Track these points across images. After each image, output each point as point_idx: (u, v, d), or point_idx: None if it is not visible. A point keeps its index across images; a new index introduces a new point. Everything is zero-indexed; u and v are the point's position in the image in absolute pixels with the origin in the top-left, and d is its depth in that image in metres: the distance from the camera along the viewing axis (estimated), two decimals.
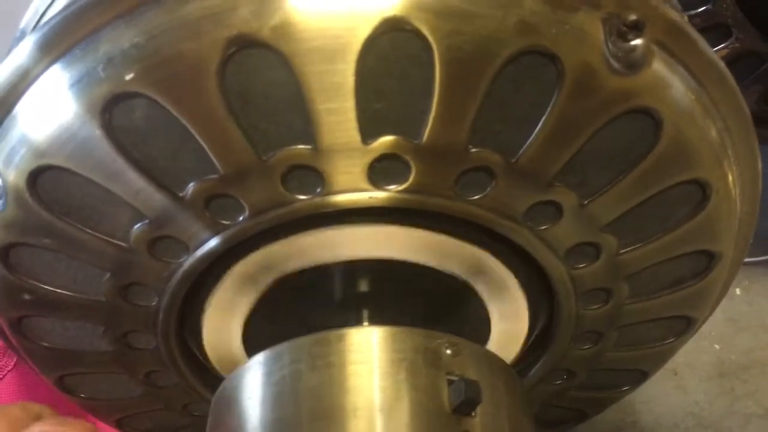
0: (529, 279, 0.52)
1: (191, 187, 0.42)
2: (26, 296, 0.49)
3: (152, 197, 0.43)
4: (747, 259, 0.69)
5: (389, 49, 0.38)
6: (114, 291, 0.48)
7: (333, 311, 0.54)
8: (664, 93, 0.42)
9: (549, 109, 0.41)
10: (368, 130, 0.41)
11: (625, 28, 0.41)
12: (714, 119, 0.46)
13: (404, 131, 0.41)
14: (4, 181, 0.44)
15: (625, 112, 0.42)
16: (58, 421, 0.46)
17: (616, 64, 0.41)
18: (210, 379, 0.58)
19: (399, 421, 0.40)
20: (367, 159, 0.42)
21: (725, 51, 0.79)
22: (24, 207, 0.44)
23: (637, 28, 0.41)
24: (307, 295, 0.53)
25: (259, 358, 0.46)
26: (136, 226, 0.44)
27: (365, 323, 0.52)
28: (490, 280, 0.52)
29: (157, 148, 0.41)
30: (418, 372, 0.42)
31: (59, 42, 0.41)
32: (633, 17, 0.40)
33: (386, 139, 0.41)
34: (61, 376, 0.57)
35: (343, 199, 0.43)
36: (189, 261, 0.46)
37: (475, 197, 0.44)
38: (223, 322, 0.53)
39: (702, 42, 0.44)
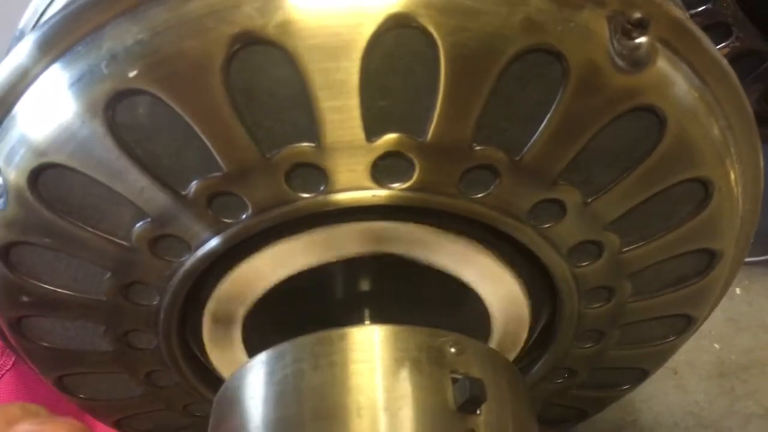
0: (531, 277, 0.52)
1: (194, 185, 0.42)
2: (26, 296, 0.49)
3: (155, 195, 0.42)
4: (747, 259, 0.69)
5: (394, 46, 0.38)
6: (115, 290, 0.48)
7: (335, 310, 0.53)
8: (668, 91, 0.42)
9: (554, 106, 0.41)
10: (372, 128, 0.40)
11: (629, 26, 0.41)
12: (717, 117, 0.46)
13: (409, 129, 0.41)
14: (4, 179, 0.43)
15: (629, 110, 0.42)
16: (44, 419, 0.45)
17: (620, 62, 0.41)
18: (211, 379, 0.58)
19: (403, 420, 0.40)
20: (371, 157, 0.41)
21: (726, 50, 0.80)
22: (25, 205, 0.44)
23: (641, 26, 0.41)
24: (308, 294, 0.53)
25: (262, 357, 0.45)
26: (138, 225, 0.44)
27: (366, 322, 0.52)
28: (492, 278, 0.52)
29: (160, 146, 0.41)
30: (422, 370, 0.41)
31: (59, 40, 0.41)
32: (638, 15, 0.40)
33: (390, 137, 0.41)
34: (61, 377, 0.57)
35: (346, 197, 0.43)
36: (191, 260, 0.46)
37: (479, 195, 0.44)
38: (223, 322, 0.53)
39: (705, 39, 0.44)
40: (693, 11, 0.79)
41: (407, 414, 0.40)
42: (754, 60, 0.82)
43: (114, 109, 0.39)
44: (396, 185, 0.43)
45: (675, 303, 0.56)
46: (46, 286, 0.48)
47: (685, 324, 0.59)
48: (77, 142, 0.40)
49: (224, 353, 0.55)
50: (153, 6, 0.38)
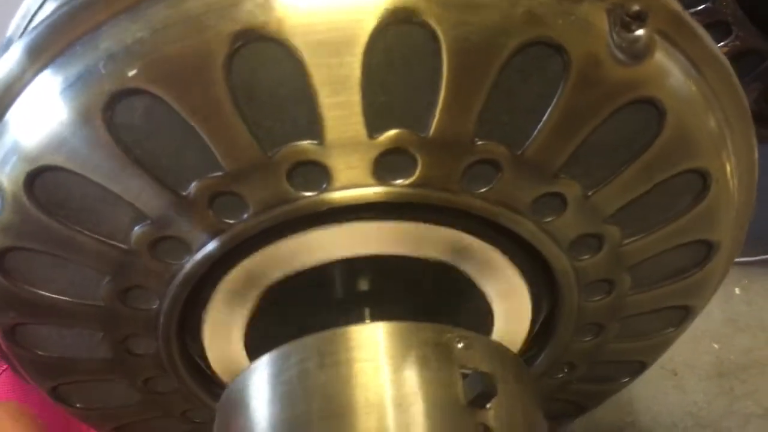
0: (532, 272, 0.52)
1: (194, 185, 0.41)
2: (21, 303, 0.48)
3: (155, 197, 0.42)
4: (746, 259, 0.70)
5: (396, 41, 0.38)
6: (113, 295, 0.47)
7: (335, 310, 0.53)
8: (667, 83, 0.43)
9: (555, 100, 0.41)
10: (374, 124, 0.40)
11: (628, 19, 0.41)
12: (714, 109, 0.46)
13: (411, 124, 0.40)
14: (0, 183, 0.43)
15: (629, 102, 0.42)
16: None
17: (620, 55, 0.41)
18: (210, 385, 0.57)
19: (413, 416, 0.40)
20: (373, 153, 0.41)
21: (725, 49, 0.80)
22: (21, 210, 0.43)
23: (640, 19, 0.41)
24: (309, 294, 0.52)
25: (266, 358, 0.45)
26: (137, 227, 0.43)
27: (367, 320, 0.51)
28: (493, 273, 0.52)
29: (159, 146, 0.40)
30: (431, 366, 0.41)
31: (53, 42, 0.40)
32: (636, 7, 0.41)
33: (392, 133, 0.41)
34: (56, 386, 0.56)
35: (348, 195, 0.43)
36: (191, 262, 0.45)
37: (481, 190, 0.44)
38: (224, 325, 0.52)
39: (702, 32, 0.44)
40: (692, 10, 0.79)
41: (418, 410, 0.40)
42: (754, 59, 0.82)
43: (113, 110, 0.39)
44: (398, 182, 0.43)
45: (673, 295, 0.56)
46: (42, 292, 0.48)
47: (683, 316, 0.59)
48: (75, 143, 0.40)
49: (225, 356, 0.54)
50: (152, 4, 0.38)
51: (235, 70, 0.38)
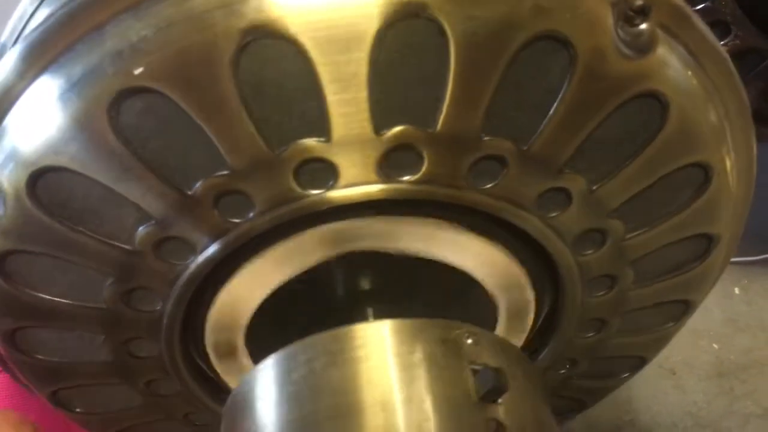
0: (535, 267, 0.52)
1: (200, 184, 0.41)
2: (22, 306, 0.47)
3: (160, 196, 0.41)
4: (746, 258, 0.71)
5: (403, 37, 0.38)
6: (116, 297, 0.47)
7: (337, 309, 0.53)
8: (670, 76, 0.43)
9: (561, 94, 0.41)
10: (382, 121, 0.40)
11: (632, 13, 0.41)
12: (715, 104, 0.47)
13: (418, 120, 0.40)
14: (1, 183, 0.42)
15: (634, 96, 0.42)
16: None
17: (624, 49, 0.41)
18: (212, 387, 0.57)
19: (424, 413, 0.40)
20: (380, 150, 0.41)
21: (725, 48, 0.80)
22: (23, 211, 0.42)
23: (643, 13, 0.41)
24: (311, 294, 0.52)
25: (273, 359, 0.45)
26: (142, 228, 0.43)
27: (372, 318, 0.51)
28: (496, 269, 0.52)
29: (165, 145, 0.40)
30: (441, 362, 0.41)
31: (56, 42, 0.40)
32: (640, 2, 0.41)
33: (399, 129, 0.40)
34: (56, 390, 0.55)
35: (354, 192, 0.42)
36: (196, 262, 0.45)
37: (487, 186, 0.44)
38: (227, 325, 0.52)
39: (703, 26, 0.44)
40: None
41: (428, 406, 0.39)
42: (753, 58, 0.83)
43: (118, 108, 0.38)
44: (405, 178, 0.42)
45: (674, 289, 0.56)
46: (43, 295, 0.47)
47: (682, 310, 0.60)
48: (79, 143, 0.39)
49: (227, 358, 0.54)
50: (157, 2, 0.37)
51: (242, 67, 0.37)
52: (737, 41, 0.81)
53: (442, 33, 0.38)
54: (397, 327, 0.44)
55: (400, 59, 0.39)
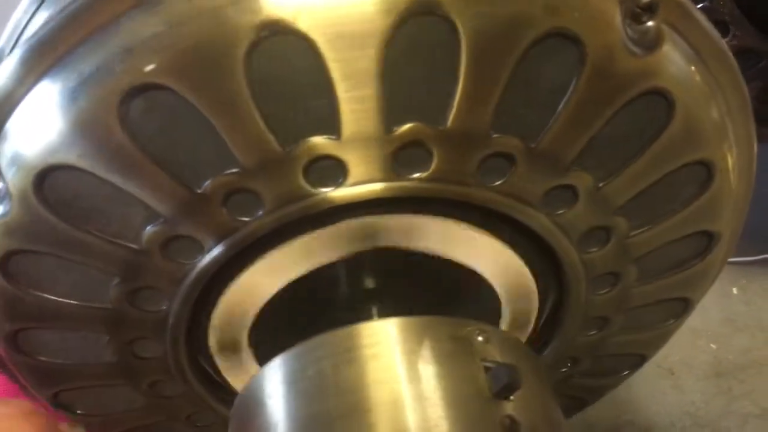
0: (540, 265, 0.52)
1: (210, 182, 0.41)
2: (26, 307, 0.47)
3: (168, 195, 0.41)
4: (744, 259, 0.71)
5: (415, 34, 0.38)
6: (122, 297, 0.46)
7: (343, 308, 0.53)
8: (675, 74, 0.43)
9: (570, 91, 0.41)
10: (392, 118, 0.40)
11: (639, 10, 0.41)
12: (717, 100, 0.47)
13: (428, 117, 0.40)
14: (6, 183, 0.42)
15: (641, 94, 0.42)
16: None
17: (632, 46, 0.41)
18: (215, 387, 0.57)
19: (437, 410, 0.39)
20: (390, 148, 0.41)
21: None
22: (29, 210, 0.42)
23: (650, 10, 0.42)
24: (316, 294, 0.52)
25: (281, 359, 0.44)
26: (150, 227, 0.43)
27: (380, 317, 0.51)
28: (500, 267, 0.52)
29: (175, 143, 0.40)
30: (453, 359, 0.41)
31: (65, 38, 0.39)
32: None
33: (410, 127, 0.40)
34: (57, 392, 0.55)
35: (363, 190, 0.42)
36: (203, 261, 0.45)
37: (495, 183, 0.44)
38: (231, 325, 0.52)
39: (707, 23, 0.45)
40: None
41: (441, 403, 0.39)
42: (752, 58, 0.83)
43: (128, 105, 0.38)
44: (415, 176, 0.42)
45: (675, 286, 0.57)
46: (47, 296, 0.47)
47: (683, 307, 0.60)
48: (87, 141, 0.39)
49: (232, 358, 0.54)
50: None
51: (254, 63, 0.37)
52: (735, 41, 0.82)
53: (454, 30, 0.38)
54: (406, 324, 0.44)
55: (412, 56, 0.39)
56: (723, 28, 0.82)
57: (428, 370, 0.41)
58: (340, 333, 0.44)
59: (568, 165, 0.44)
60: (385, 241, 0.49)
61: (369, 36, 0.38)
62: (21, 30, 0.59)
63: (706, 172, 0.49)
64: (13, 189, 0.42)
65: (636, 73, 0.42)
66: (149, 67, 0.37)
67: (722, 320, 0.93)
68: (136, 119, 0.38)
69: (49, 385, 0.54)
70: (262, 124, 0.39)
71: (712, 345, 0.90)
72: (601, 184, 0.46)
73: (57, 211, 0.42)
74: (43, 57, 0.40)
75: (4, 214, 0.42)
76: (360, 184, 0.42)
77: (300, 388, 0.43)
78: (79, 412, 0.57)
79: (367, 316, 0.51)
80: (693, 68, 0.45)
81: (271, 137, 0.39)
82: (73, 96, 0.39)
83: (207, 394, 0.56)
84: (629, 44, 0.41)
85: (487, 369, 0.40)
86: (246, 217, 0.43)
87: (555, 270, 0.52)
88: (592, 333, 0.58)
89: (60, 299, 0.47)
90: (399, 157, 0.42)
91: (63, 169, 0.40)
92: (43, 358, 0.51)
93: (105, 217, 0.43)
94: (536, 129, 0.42)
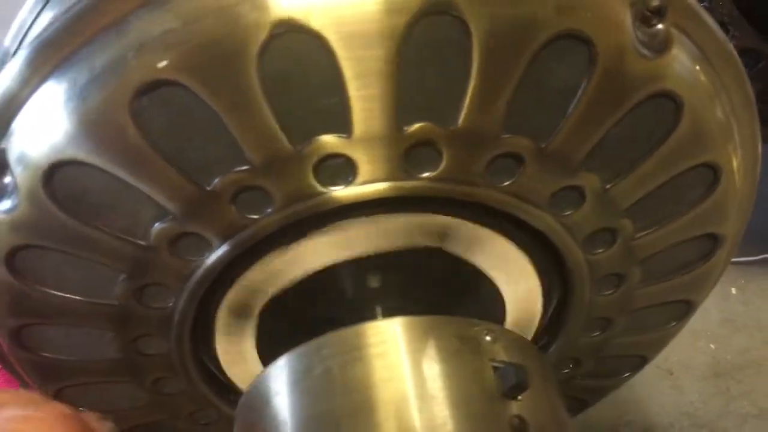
0: (544, 266, 0.52)
1: (220, 179, 0.41)
2: (32, 303, 0.47)
3: (178, 191, 0.41)
4: (743, 259, 0.71)
5: (429, 33, 0.38)
6: (128, 293, 0.46)
7: (349, 307, 0.52)
8: (684, 76, 0.44)
9: (580, 93, 0.41)
10: (403, 117, 0.40)
11: (648, 13, 0.42)
12: (722, 100, 0.47)
13: (439, 117, 0.40)
14: (15, 178, 0.41)
15: (650, 96, 0.43)
16: (33, 405, 0.43)
17: (642, 49, 0.41)
18: (218, 386, 0.57)
19: (444, 409, 0.40)
20: (401, 147, 0.41)
21: None
22: (38, 205, 0.42)
23: (659, 14, 0.42)
24: (322, 293, 0.52)
25: (290, 356, 0.44)
26: (158, 223, 0.43)
27: (387, 317, 0.51)
28: (506, 267, 0.52)
29: (186, 139, 0.40)
30: (460, 359, 0.41)
31: (76, 34, 0.39)
32: (656, 3, 0.41)
33: (420, 126, 0.40)
34: (60, 389, 0.54)
35: (372, 189, 0.42)
36: (210, 259, 0.45)
37: (504, 184, 0.44)
38: (235, 323, 0.51)
39: (714, 25, 0.45)
40: None
41: (448, 402, 0.39)
42: (750, 58, 0.84)
43: (140, 101, 0.38)
44: (423, 175, 0.42)
45: (679, 288, 0.57)
46: (53, 292, 0.46)
47: (685, 310, 0.60)
48: (98, 136, 0.39)
49: (235, 356, 0.54)
50: None
51: (266, 61, 0.37)
52: (734, 42, 0.82)
53: (467, 31, 0.38)
54: (413, 324, 0.44)
55: (425, 56, 0.39)
56: (722, 28, 0.82)
57: (435, 369, 0.41)
58: (347, 332, 0.44)
59: (576, 166, 0.44)
60: (391, 240, 0.49)
61: (382, 35, 0.38)
62: (26, 29, 0.59)
63: (712, 174, 0.49)
64: (21, 184, 0.41)
65: (645, 75, 0.42)
66: (162, 64, 0.37)
67: (721, 320, 0.93)
68: (148, 115, 0.38)
69: (53, 382, 0.54)
70: (273, 121, 0.39)
71: (710, 345, 0.90)
72: (608, 186, 0.46)
73: (65, 207, 0.42)
74: (51, 56, 0.40)
75: (12, 209, 0.42)
76: (369, 183, 0.42)
77: (307, 387, 0.43)
78: (81, 409, 0.56)
79: (371, 316, 0.51)
80: (699, 69, 0.45)
81: (282, 135, 0.39)
82: (84, 92, 0.39)
83: (209, 391, 0.56)
84: (639, 47, 0.41)
85: (495, 369, 0.40)
86: (255, 214, 0.43)
87: (559, 270, 0.52)
88: (595, 334, 0.58)
89: (66, 295, 0.47)
90: (409, 156, 0.42)
91: (72, 164, 0.40)
92: (46, 355, 0.51)
93: (114, 214, 0.43)
94: (546, 130, 0.42)
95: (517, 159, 0.43)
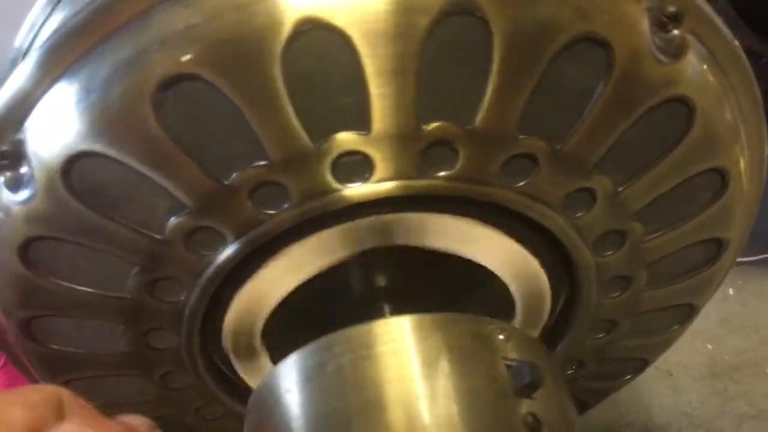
0: (553, 266, 0.52)
1: (238, 174, 0.41)
2: (45, 295, 0.47)
3: (196, 185, 0.41)
4: (741, 259, 0.71)
5: (452, 33, 0.38)
6: (141, 287, 0.46)
7: (358, 305, 0.53)
8: (698, 82, 0.44)
9: (596, 95, 0.42)
10: (422, 116, 0.40)
11: (665, 19, 0.42)
12: (732, 105, 0.48)
13: (457, 117, 0.41)
14: (32, 169, 0.41)
15: (664, 101, 0.43)
16: (88, 420, 0.42)
17: (658, 54, 0.42)
18: (227, 382, 0.57)
19: (456, 406, 0.40)
20: (418, 146, 0.41)
21: None
22: (55, 196, 0.42)
23: (676, 20, 0.42)
24: (331, 291, 0.52)
25: (300, 354, 0.44)
26: (174, 217, 0.43)
27: (387, 315, 0.51)
28: (516, 267, 0.52)
29: (206, 134, 0.40)
30: (473, 357, 0.42)
31: (99, 26, 0.40)
32: (673, 8, 0.42)
33: (438, 125, 0.41)
34: (67, 381, 0.54)
35: (388, 187, 0.43)
36: (225, 254, 0.45)
37: (519, 184, 0.44)
38: (245, 321, 0.52)
39: (726, 31, 0.46)
40: None
41: (464, 400, 0.40)
42: (749, 60, 0.84)
43: (163, 95, 0.38)
44: (439, 174, 0.43)
45: (683, 292, 0.57)
46: (66, 284, 0.46)
47: (688, 313, 0.61)
48: (119, 129, 0.39)
49: (244, 353, 0.54)
50: None
51: (290, 57, 0.37)
52: None
53: (488, 31, 0.38)
54: (425, 322, 0.44)
55: (446, 56, 0.39)
56: None
57: (449, 368, 0.41)
58: (359, 329, 0.44)
59: (590, 168, 0.45)
60: (401, 239, 0.49)
61: (405, 34, 0.38)
62: (37, 29, 0.59)
63: (720, 178, 0.49)
64: (38, 175, 0.42)
65: (661, 80, 0.43)
66: (185, 57, 0.37)
67: (718, 321, 0.94)
68: (170, 109, 0.39)
69: (60, 374, 0.54)
70: (294, 118, 0.39)
71: (708, 345, 0.91)
72: (619, 189, 0.46)
73: (83, 199, 0.42)
74: (70, 49, 0.40)
75: (29, 200, 0.42)
76: (385, 181, 0.43)
77: (318, 384, 0.43)
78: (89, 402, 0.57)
79: (381, 314, 0.51)
80: (713, 76, 0.46)
81: (302, 131, 0.40)
82: (106, 84, 0.39)
83: (217, 387, 0.56)
84: (656, 52, 0.42)
85: (508, 367, 0.40)
86: (271, 210, 0.43)
87: (567, 271, 0.53)
88: (599, 336, 0.59)
89: (78, 287, 0.47)
90: (426, 155, 0.42)
91: (91, 156, 0.40)
92: (55, 347, 0.51)
93: (131, 206, 0.43)
94: (562, 131, 0.43)
95: (533, 160, 0.43)
